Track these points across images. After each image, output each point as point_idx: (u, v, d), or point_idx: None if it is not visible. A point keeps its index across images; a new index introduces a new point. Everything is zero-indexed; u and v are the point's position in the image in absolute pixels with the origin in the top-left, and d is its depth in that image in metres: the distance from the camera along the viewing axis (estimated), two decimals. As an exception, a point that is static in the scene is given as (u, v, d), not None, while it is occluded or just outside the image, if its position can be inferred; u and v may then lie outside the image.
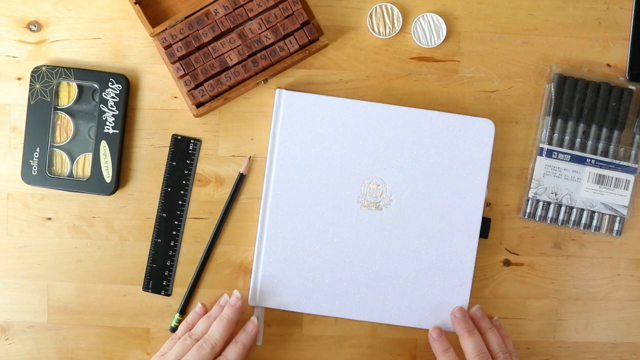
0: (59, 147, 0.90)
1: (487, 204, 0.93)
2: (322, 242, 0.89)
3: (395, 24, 0.92)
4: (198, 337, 0.87)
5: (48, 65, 0.90)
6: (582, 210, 0.92)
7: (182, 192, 0.92)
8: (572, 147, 0.92)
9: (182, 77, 0.89)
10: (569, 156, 0.91)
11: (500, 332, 0.89)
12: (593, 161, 0.91)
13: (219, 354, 0.85)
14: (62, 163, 0.91)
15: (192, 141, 0.92)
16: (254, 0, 0.88)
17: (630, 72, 0.92)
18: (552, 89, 0.91)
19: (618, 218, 0.92)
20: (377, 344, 0.92)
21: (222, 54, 0.89)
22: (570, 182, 0.92)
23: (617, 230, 0.92)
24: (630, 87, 0.91)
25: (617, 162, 0.91)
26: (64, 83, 0.90)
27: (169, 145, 0.92)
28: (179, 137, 0.92)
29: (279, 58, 0.89)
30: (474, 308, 0.90)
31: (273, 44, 0.89)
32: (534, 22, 0.93)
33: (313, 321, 0.92)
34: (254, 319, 0.89)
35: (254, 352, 0.92)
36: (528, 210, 0.92)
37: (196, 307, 0.91)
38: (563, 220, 0.92)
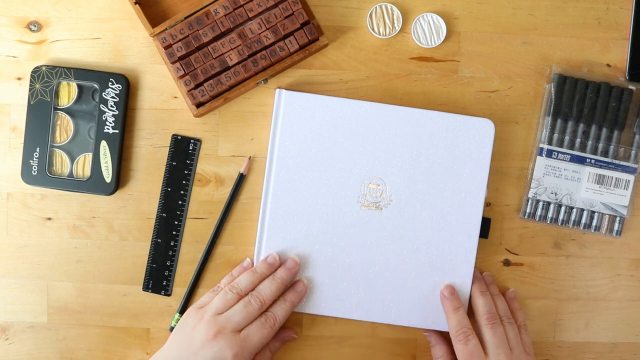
0: (59, 147, 0.90)
1: (487, 204, 0.93)
2: (322, 242, 0.89)
3: (395, 24, 0.92)
4: (240, 291, 0.84)
5: (48, 65, 0.90)
6: (582, 210, 0.92)
7: (182, 192, 0.92)
8: (572, 147, 0.92)
9: (182, 77, 0.89)
10: (569, 156, 0.92)
11: (514, 304, 0.90)
12: (593, 161, 0.91)
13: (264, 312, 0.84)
14: (62, 163, 0.91)
15: (192, 141, 0.92)
16: (254, 0, 0.88)
17: (630, 72, 0.92)
18: (552, 89, 0.91)
19: (618, 218, 0.92)
20: (377, 344, 0.92)
21: (222, 54, 0.89)
22: (570, 182, 0.92)
23: (617, 230, 0.92)
24: (630, 87, 0.91)
25: (617, 162, 0.91)
26: (64, 83, 0.90)
27: (169, 145, 0.92)
28: (179, 137, 0.92)
29: (279, 58, 0.89)
30: (484, 274, 0.91)
31: (273, 44, 0.89)
32: (534, 22, 0.93)
33: (313, 321, 0.92)
34: (303, 278, 0.88)
35: (254, 352, 0.92)
36: (528, 210, 0.92)
37: (244, 262, 0.89)
38: (563, 220, 0.92)
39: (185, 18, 0.89)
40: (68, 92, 0.91)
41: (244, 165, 0.92)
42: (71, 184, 0.90)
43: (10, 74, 0.92)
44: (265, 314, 0.83)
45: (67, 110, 0.91)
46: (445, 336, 0.90)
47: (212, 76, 0.89)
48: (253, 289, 0.85)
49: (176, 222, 0.92)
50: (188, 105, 0.90)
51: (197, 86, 0.89)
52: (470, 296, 0.88)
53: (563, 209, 0.92)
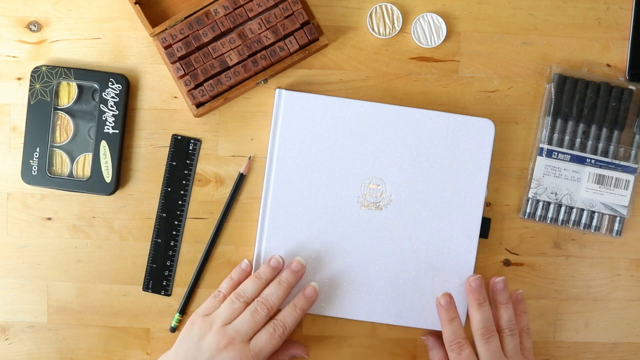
0: (59, 147, 0.91)
1: (487, 204, 0.93)
2: (322, 242, 0.89)
3: (395, 24, 0.92)
4: (247, 299, 0.83)
5: (48, 65, 0.90)
6: (582, 210, 0.92)
7: (182, 192, 0.92)
8: (572, 147, 0.92)
9: (182, 77, 0.89)
10: (569, 156, 0.92)
11: (519, 306, 0.88)
12: (593, 161, 0.92)
13: (272, 318, 0.83)
14: (62, 163, 0.91)
15: (192, 141, 0.92)
16: (254, 0, 0.88)
17: (630, 72, 0.92)
18: (552, 89, 0.91)
19: (618, 218, 0.92)
20: (377, 344, 0.92)
21: (222, 54, 0.89)
22: (570, 182, 0.92)
23: (617, 230, 0.92)
24: (630, 87, 0.91)
25: (617, 162, 0.91)
26: (64, 83, 0.90)
27: (169, 145, 0.92)
28: (179, 137, 0.92)
29: (279, 58, 0.89)
30: (498, 279, 0.87)
31: (273, 44, 0.89)
32: (534, 22, 0.93)
33: (313, 321, 0.92)
34: (314, 284, 0.86)
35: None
36: (528, 210, 0.92)
37: (241, 264, 0.88)
38: (563, 220, 0.92)
39: (185, 18, 0.89)
40: (68, 92, 0.91)
41: (244, 165, 0.92)
42: (71, 184, 0.90)
43: (10, 74, 0.92)
44: (274, 321, 0.83)
45: (67, 110, 0.91)
46: (442, 339, 0.90)
47: (212, 76, 0.89)
48: (259, 295, 0.85)
49: (176, 222, 0.92)
50: (188, 105, 0.90)
51: (197, 86, 0.89)
52: (468, 307, 0.87)
53: (563, 209, 0.92)
